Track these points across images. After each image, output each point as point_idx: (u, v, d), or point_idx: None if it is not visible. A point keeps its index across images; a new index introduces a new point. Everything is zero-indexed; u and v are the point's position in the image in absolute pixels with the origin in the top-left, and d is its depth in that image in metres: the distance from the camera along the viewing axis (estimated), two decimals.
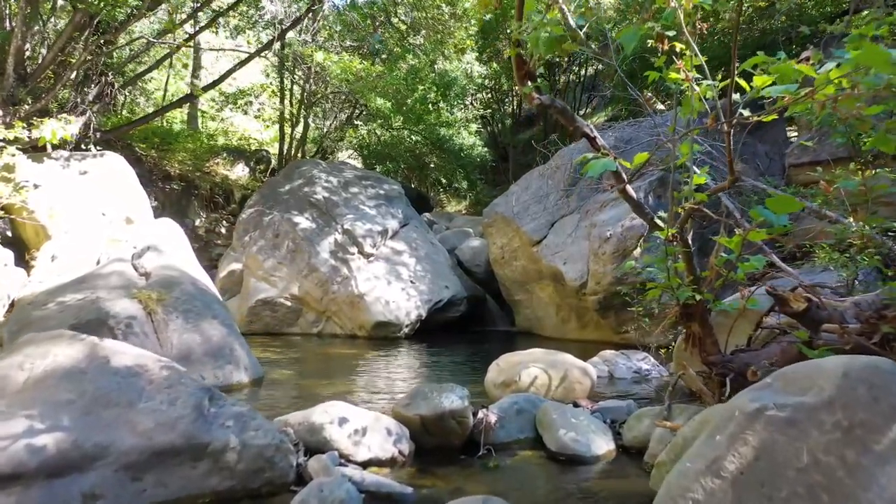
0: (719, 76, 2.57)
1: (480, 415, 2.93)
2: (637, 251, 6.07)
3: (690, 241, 2.87)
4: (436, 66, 10.17)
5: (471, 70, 10.50)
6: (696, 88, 2.54)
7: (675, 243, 2.57)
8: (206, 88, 12.74)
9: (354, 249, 8.40)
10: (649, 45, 2.49)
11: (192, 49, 17.92)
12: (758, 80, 2.15)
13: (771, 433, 1.73)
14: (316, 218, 8.84)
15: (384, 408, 3.31)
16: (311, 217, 8.84)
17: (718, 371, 2.85)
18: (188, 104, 17.63)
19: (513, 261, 8.03)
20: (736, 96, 2.37)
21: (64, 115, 7.29)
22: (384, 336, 7.76)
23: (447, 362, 6.08)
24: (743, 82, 2.34)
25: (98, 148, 8.58)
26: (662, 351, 4.65)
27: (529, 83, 2.52)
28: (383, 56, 10.48)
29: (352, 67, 8.45)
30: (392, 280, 8.17)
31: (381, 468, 2.62)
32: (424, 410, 2.78)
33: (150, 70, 10.93)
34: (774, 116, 2.24)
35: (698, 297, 2.64)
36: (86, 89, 10.23)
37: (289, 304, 8.33)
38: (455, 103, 10.43)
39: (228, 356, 4.25)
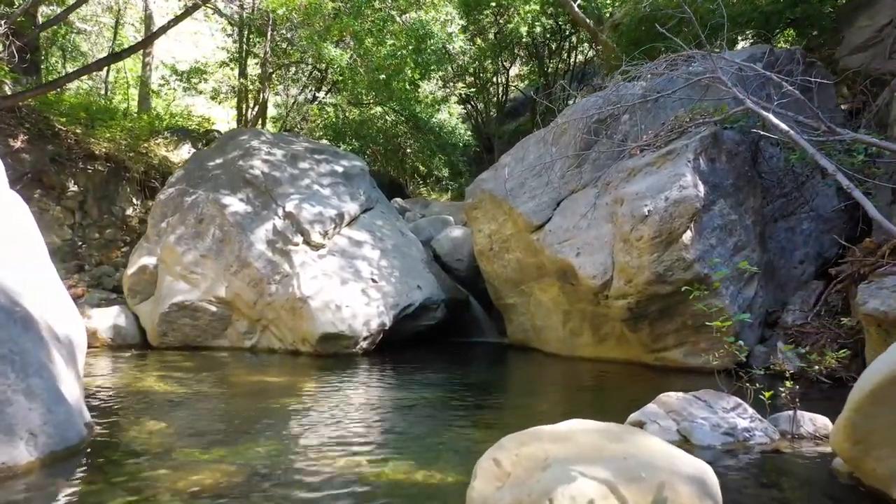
0: None
1: None
2: (687, 235, 4.20)
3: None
4: (407, 15, 8.24)
5: (452, 23, 8.59)
6: None
7: None
8: (137, 47, 10.72)
9: (299, 239, 6.48)
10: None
11: (143, 23, 15.92)
12: None
13: None
14: (252, 199, 6.89)
15: None
16: (246, 198, 6.89)
17: None
18: (140, 85, 15.65)
19: (504, 253, 6.18)
20: None
21: None
22: (335, 352, 5.93)
23: (416, 401, 4.16)
24: None
25: None
26: (766, 394, 2.78)
27: None
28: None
29: (294, 1, 6.50)
30: (348, 278, 6.28)
31: None
32: None
33: (56, 21, 8.86)
34: None
35: None
36: None
37: (213, 309, 6.40)
38: (432, 61, 8.51)
39: None
